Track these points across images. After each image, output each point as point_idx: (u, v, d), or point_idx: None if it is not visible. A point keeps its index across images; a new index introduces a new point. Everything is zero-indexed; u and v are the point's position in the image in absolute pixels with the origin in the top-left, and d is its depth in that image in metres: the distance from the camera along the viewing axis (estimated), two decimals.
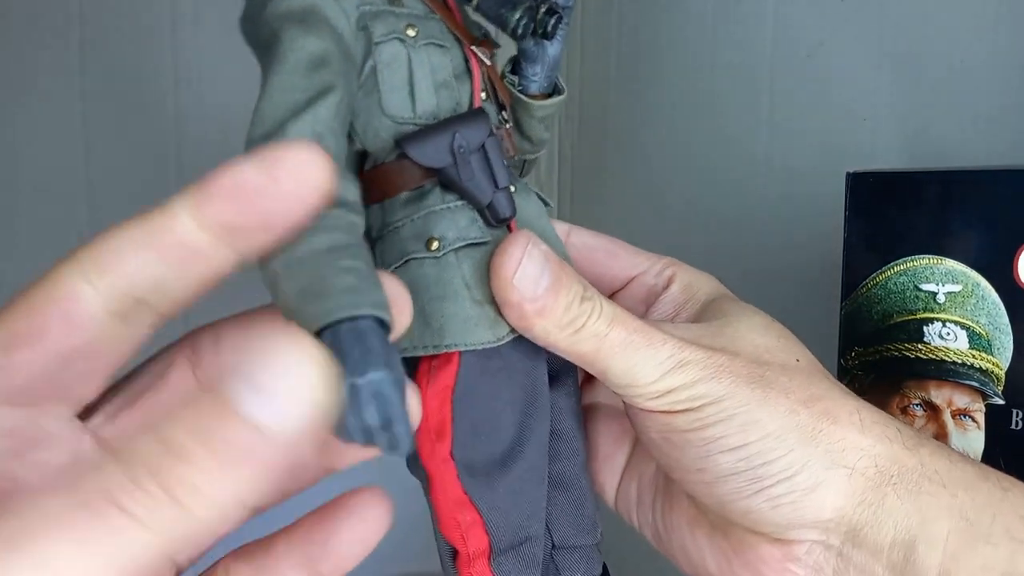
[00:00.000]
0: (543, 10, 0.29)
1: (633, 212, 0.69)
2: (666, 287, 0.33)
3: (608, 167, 0.71)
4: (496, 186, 0.27)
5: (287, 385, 0.17)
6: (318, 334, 0.21)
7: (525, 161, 0.34)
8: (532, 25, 0.28)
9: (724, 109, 0.63)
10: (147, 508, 0.16)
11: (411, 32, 0.27)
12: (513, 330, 0.28)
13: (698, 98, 0.64)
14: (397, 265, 0.27)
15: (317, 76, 0.24)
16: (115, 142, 0.61)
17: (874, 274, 0.43)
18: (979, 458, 0.40)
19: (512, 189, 0.29)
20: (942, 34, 0.53)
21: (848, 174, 0.44)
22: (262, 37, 0.25)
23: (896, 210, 0.42)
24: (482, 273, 0.27)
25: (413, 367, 0.28)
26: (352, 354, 0.20)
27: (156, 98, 0.62)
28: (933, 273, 0.41)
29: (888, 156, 0.55)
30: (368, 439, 0.20)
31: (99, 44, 0.60)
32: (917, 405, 0.41)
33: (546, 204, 0.31)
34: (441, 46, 0.28)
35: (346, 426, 0.20)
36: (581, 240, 0.34)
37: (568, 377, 0.32)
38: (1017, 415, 0.39)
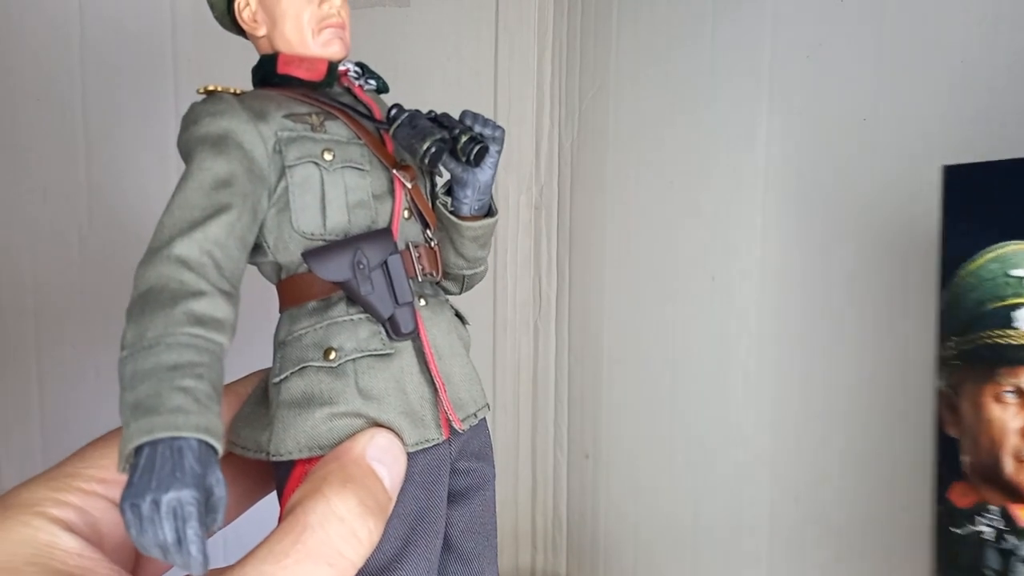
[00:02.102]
0: (464, 139, 0.30)
1: (632, 212, 0.69)
2: None
3: (607, 167, 0.71)
4: (397, 302, 0.29)
5: None
6: (139, 449, 0.22)
7: (465, 276, 0.35)
8: (440, 156, 0.30)
9: (724, 109, 0.63)
10: None
11: (328, 156, 0.29)
12: (419, 443, 0.28)
13: (698, 98, 0.64)
14: (294, 370, 0.28)
15: (216, 196, 0.26)
16: (115, 141, 0.61)
17: (967, 262, 0.42)
18: None
19: (422, 303, 0.30)
20: (942, 34, 0.53)
21: (944, 167, 0.44)
22: (183, 154, 0.28)
23: (988, 200, 0.42)
24: (383, 384, 0.28)
25: (288, 471, 0.28)
26: (162, 472, 0.21)
27: (157, 97, 0.62)
28: (1022, 258, 0.40)
29: (888, 156, 0.55)
30: (163, 554, 0.21)
31: (100, 44, 0.60)
32: (1010, 392, 0.40)
33: (463, 321, 0.32)
34: (359, 169, 0.30)
35: (143, 540, 0.21)
36: None
37: (480, 496, 0.32)
38: None
